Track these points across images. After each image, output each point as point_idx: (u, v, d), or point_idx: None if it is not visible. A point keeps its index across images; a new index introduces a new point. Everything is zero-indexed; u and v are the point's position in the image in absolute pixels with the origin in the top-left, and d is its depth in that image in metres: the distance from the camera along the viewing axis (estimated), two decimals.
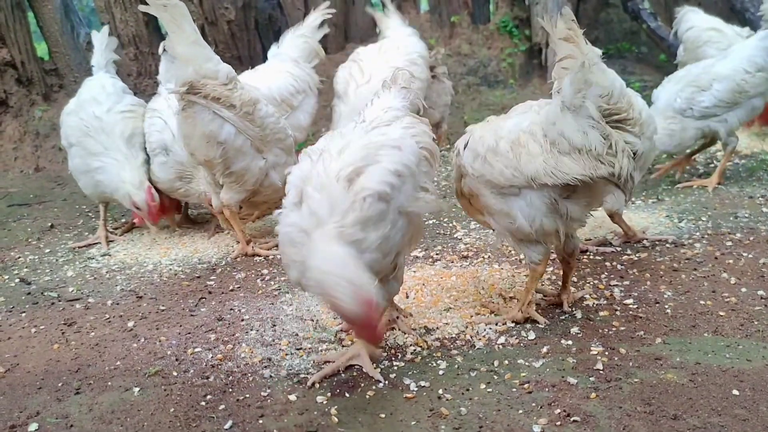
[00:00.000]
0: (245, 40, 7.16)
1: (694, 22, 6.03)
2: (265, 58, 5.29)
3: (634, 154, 2.67)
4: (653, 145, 3.60)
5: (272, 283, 3.57)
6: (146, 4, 3.40)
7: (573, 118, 2.53)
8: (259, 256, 3.99)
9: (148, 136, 4.25)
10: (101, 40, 4.77)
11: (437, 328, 2.93)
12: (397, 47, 5.20)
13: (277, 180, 3.85)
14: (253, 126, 3.70)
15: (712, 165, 5.39)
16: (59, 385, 2.66)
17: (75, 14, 7.11)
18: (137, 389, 2.58)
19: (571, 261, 3.00)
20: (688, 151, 5.06)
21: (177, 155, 4.09)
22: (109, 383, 2.64)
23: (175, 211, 4.62)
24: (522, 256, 2.82)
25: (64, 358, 2.87)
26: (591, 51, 2.52)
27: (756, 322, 2.87)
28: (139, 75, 6.98)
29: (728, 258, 3.57)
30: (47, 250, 4.35)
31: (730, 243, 3.79)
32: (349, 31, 7.91)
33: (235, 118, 3.63)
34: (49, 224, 4.89)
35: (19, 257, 4.23)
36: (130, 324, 3.15)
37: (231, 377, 2.63)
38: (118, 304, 3.43)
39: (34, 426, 2.38)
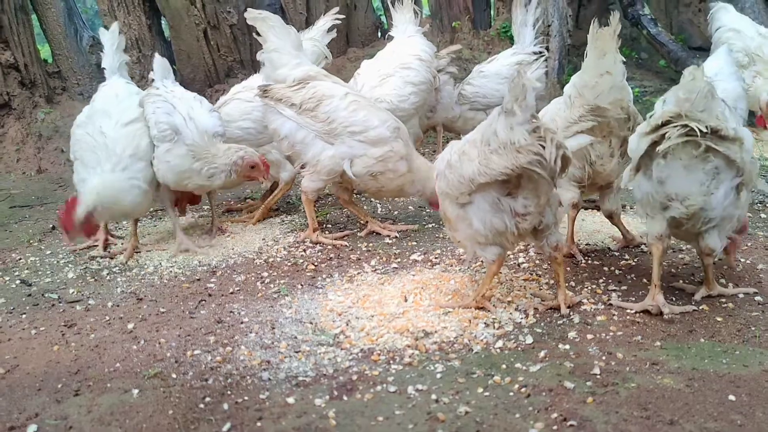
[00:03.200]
0: (247, 44, 7.19)
1: (722, 21, 5.91)
2: None
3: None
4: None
5: (272, 285, 3.58)
6: None
7: (505, 118, 2.74)
8: (322, 244, 4.16)
9: (155, 121, 4.04)
10: (111, 40, 4.53)
11: (435, 331, 2.94)
12: (392, 51, 5.21)
13: (362, 170, 4.06)
14: (315, 121, 4.04)
15: None
16: (59, 386, 2.67)
17: (78, 17, 7.15)
18: (136, 391, 2.59)
19: (557, 256, 3.03)
20: None
21: (187, 137, 4.00)
22: (109, 385, 2.66)
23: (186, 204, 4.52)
24: (485, 258, 3.06)
25: (63, 360, 2.89)
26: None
27: (753, 328, 2.88)
28: (142, 78, 7.00)
29: (726, 263, 3.57)
30: (48, 252, 4.37)
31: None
32: (350, 36, 7.93)
33: (295, 115, 4.06)
34: (51, 226, 4.91)
35: (20, 259, 4.25)
36: (130, 326, 3.17)
37: (230, 379, 2.64)
38: (118, 306, 3.45)
39: (33, 427, 2.39)
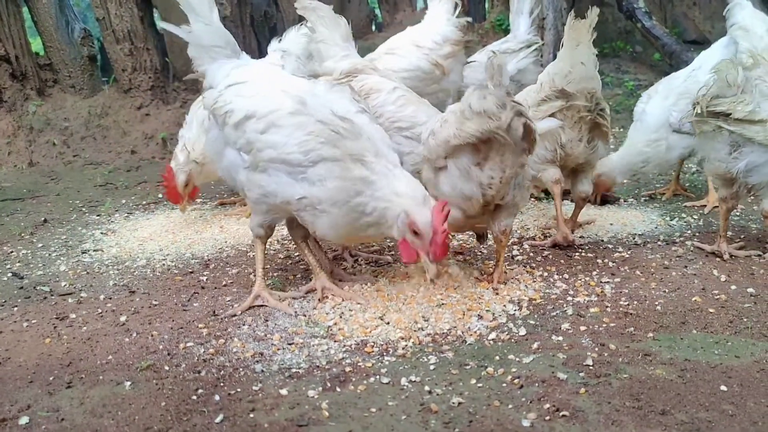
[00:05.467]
0: (241, 37, 7.16)
1: (736, 17, 5.86)
2: (260, 54, 5.29)
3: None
4: None
5: (265, 278, 3.57)
6: None
7: (479, 92, 2.98)
8: None
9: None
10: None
11: (429, 323, 2.94)
12: (402, 35, 5.13)
13: (409, 168, 3.82)
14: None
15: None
16: (51, 378, 2.66)
17: (70, 9, 7.10)
18: (129, 383, 2.58)
19: (502, 239, 3.28)
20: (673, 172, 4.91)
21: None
22: (101, 377, 2.65)
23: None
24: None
25: (55, 352, 2.87)
26: None
27: (745, 319, 2.89)
28: (134, 70, 6.98)
29: (718, 256, 3.59)
30: (40, 245, 4.35)
31: None
32: None
33: None
34: (42, 219, 4.89)
35: (12, 252, 4.23)
36: (123, 318, 3.15)
37: (223, 371, 2.63)
38: (110, 298, 3.43)
39: (25, 419, 2.38)
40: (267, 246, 4.01)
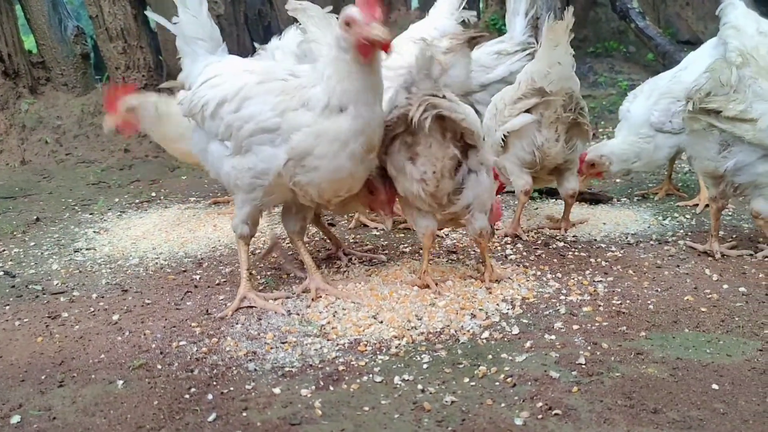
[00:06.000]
0: (234, 35, 7.15)
1: (728, 17, 5.85)
2: (255, 52, 5.27)
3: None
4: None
5: (258, 277, 3.57)
6: None
7: (404, 84, 3.03)
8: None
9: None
10: None
11: (422, 322, 2.94)
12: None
13: None
14: None
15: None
16: (42, 377, 2.65)
17: (63, 7, 7.06)
18: (121, 382, 2.57)
19: (481, 242, 3.29)
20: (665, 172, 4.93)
21: None
22: (93, 376, 2.64)
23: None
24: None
25: (47, 351, 2.86)
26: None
27: (737, 318, 2.90)
28: (128, 68, 6.95)
29: (710, 255, 3.61)
30: (32, 243, 4.33)
31: None
32: None
33: None
34: (35, 217, 4.87)
35: (4, 250, 4.21)
36: (115, 317, 3.14)
37: (215, 370, 2.63)
38: (103, 297, 3.42)
39: (16, 418, 2.37)
40: (261, 245, 4.02)
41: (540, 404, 2.30)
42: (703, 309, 3.00)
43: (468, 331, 2.87)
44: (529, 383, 2.44)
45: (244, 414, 2.33)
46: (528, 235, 4.06)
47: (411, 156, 3.05)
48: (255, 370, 2.62)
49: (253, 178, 3.03)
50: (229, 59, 3.41)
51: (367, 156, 2.98)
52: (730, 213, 4.32)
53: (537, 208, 4.65)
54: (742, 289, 3.18)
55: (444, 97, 2.97)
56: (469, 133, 3.04)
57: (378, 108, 2.96)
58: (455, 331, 2.86)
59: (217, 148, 3.16)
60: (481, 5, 8.19)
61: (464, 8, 5.17)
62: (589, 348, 2.68)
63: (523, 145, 3.78)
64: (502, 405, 2.31)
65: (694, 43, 8.23)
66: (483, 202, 3.18)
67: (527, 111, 3.74)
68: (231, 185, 3.17)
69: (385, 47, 2.78)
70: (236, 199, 3.20)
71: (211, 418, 2.31)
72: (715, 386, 2.38)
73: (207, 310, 3.17)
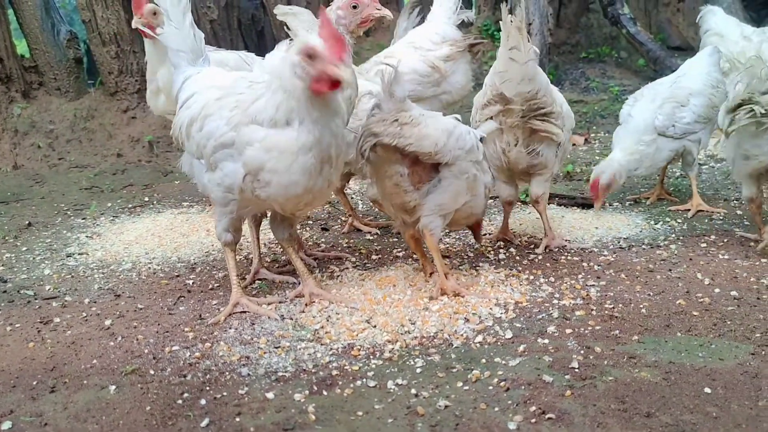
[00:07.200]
0: (228, 40, 7.14)
1: (709, 24, 5.86)
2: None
3: (558, 144, 3.72)
4: (568, 137, 3.92)
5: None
6: None
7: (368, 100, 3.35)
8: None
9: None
10: None
11: (415, 327, 2.94)
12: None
13: None
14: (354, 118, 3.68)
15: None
16: (34, 383, 2.63)
17: (56, 11, 7.04)
18: (113, 387, 2.56)
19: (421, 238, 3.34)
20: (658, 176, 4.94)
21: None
22: (85, 382, 2.62)
23: None
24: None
25: (39, 357, 2.85)
26: None
27: (729, 322, 2.92)
28: (121, 73, 6.93)
29: (702, 259, 3.63)
30: (24, 248, 4.30)
31: (704, 244, 3.86)
32: None
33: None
34: (27, 222, 4.84)
35: None
36: (108, 322, 3.13)
37: (208, 375, 2.62)
38: (95, 302, 3.40)
39: (7, 424, 2.36)
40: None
41: (533, 408, 2.30)
42: (695, 313, 3.01)
43: (461, 335, 2.87)
44: (523, 387, 2.44)
45: (238, 419, 2.33)
46: (520, 240, 4.07)
47: (374, 170, 3.24)
48: (248, 375, 2.61)
49: (225, 192, 3.05)
50: (205, 72, 3.36)
51: (326, 167, 2.90)
52: (722, 217, 4.35)
53: (530, 213, 4.66)
54: (733, 293, 3.19)
55: (399, 120, 3.04)
56: (422, 155, 3.06)
57: (336, 121, 2.89)
58: (449, 336, 2.87)
59: (197, 165, 3.23)
60: (474, 10, 8.22)
61: (462, 8, 5.16)
62: (582, 352, 2.69)
63: (490, 150, 3.70)
64: (496, 409, 2.31)
65: (684, 49, 8.30)
66: (444, 207, 3.22)
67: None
68: (211, 199, 3.23)
69: (337, 86, 2.77)
70: (215, 211, 3.22)
71: (204, 424, 2.30)
72: (707, 390, 2.39)
73: (200, 315, 3.16)
